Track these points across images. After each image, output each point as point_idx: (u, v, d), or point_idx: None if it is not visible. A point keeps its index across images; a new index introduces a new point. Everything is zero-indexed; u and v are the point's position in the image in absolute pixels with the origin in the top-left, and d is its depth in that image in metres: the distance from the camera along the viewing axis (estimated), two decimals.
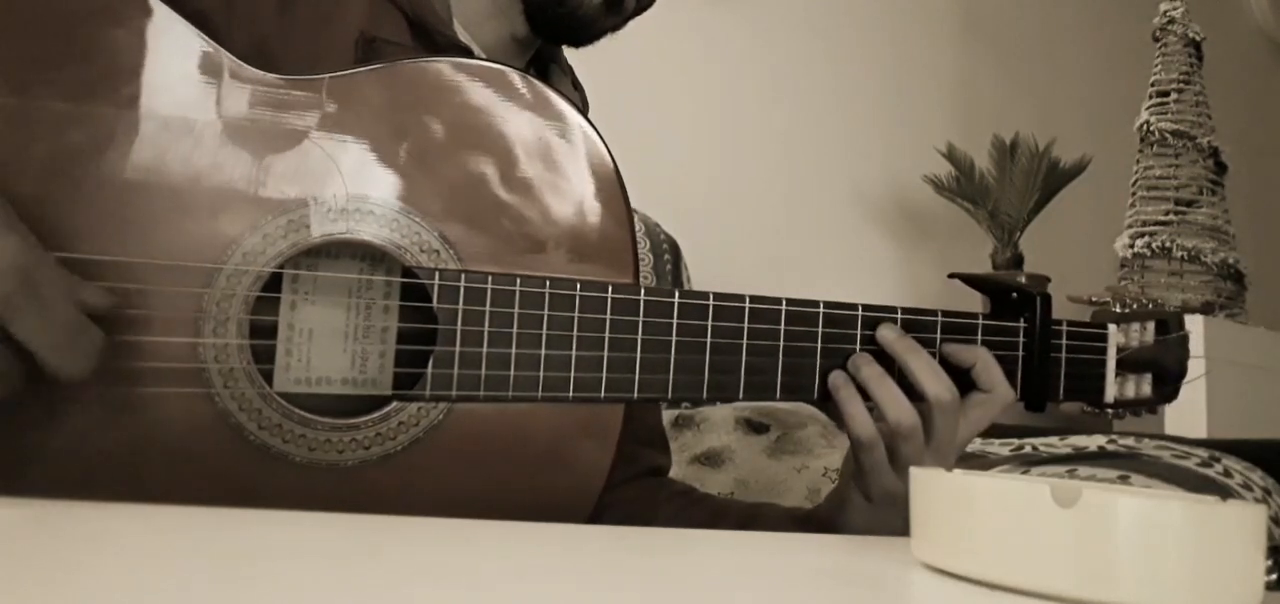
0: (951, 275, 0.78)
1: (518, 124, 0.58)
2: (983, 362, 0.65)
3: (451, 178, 0.57)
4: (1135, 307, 0.74)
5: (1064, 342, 0.71)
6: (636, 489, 0.78)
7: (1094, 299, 0.76)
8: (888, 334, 0.64)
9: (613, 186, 0.60)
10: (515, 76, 0.59)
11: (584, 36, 0.76)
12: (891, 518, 0.64)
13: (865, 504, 0.66)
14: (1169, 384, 0.74)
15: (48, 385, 0.47)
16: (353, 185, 0.55)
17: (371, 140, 0.56)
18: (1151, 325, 0.73)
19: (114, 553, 0.34)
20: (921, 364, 0.63)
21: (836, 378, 0.64)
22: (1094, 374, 0.72)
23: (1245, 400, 1.82)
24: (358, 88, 0.56)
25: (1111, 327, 0.73)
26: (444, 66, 0.58)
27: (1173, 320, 0.74)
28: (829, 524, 0.69)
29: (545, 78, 0.61)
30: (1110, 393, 0.73)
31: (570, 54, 0.82)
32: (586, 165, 0.59)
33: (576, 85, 0.82)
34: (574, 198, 0.59)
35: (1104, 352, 0.73)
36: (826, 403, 0.64)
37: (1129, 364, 0.73)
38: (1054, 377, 0.70)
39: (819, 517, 0.71)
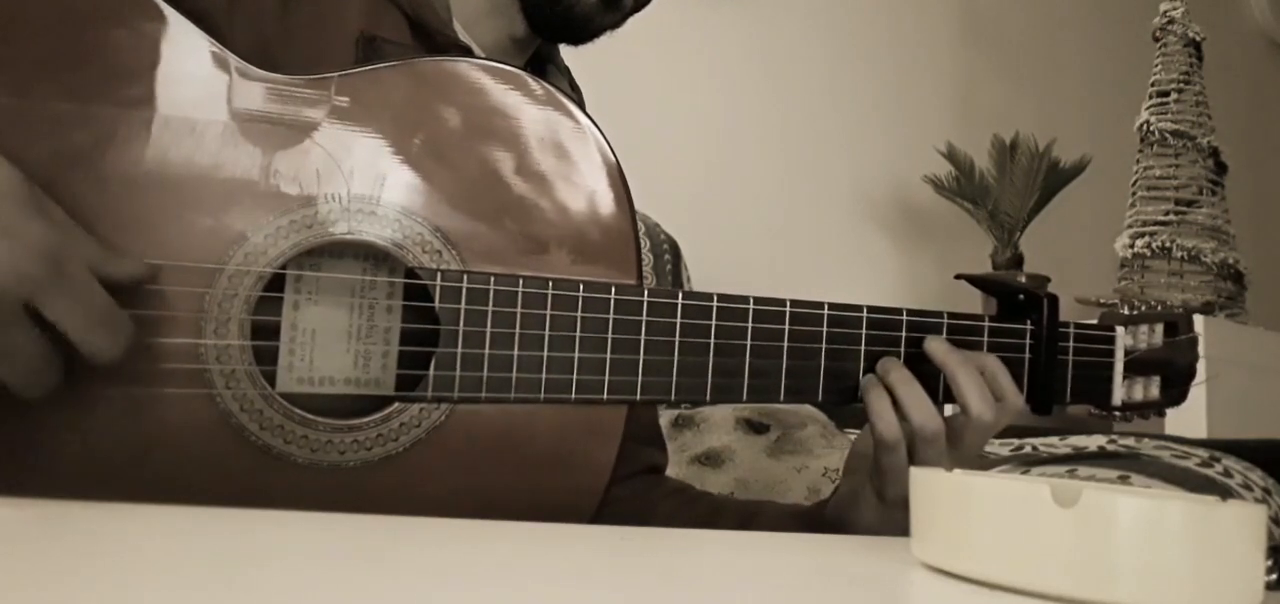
0: (958, 276, 0.77)
1: (521, 125, 0.58)
2: (990, 370, 0.65)
3: (455, 178, 0.57)
4: (1144, 308, 0.73)
5: (1071, 344, 0.70)
6: (633, 487, 0.78)
7: (1102, 301, 0.76)
8: (938, 348, 0.65)
9: (616, 187, 0.60)
10: (517, 76, 0.59)
11: (583, 34, 0.76)
12: (902, 519, 0.64)
13: (878, 504, 0.66)
14: (1177, 386, 0.73)
15: (67, 381, 0.47)
16: (356, 185, 0.55)
17: (375, 140, 0.56)
18: (1160, 327, 0.73)
19: (114, 553, 0.34)
20: (971, 381, 0.63)
21: (867, 380, 0.64)
22: (1101, 377, 0.72)
23: (1245, 400, 1.82)
24: (361, 88, 0.56)
25: (1119, 329, 0.73)
26: (448, 67, 0.58)
27: (1182, 322, 0.73)
28: (837, 522, 0.69)
29: (542, 78, 0.61)
30: (1118, 396, 0.72)
31: (569, 53, 0.82)
32: (589, 166, 0.59)
33: (573, 86, 0.82)
34: (577, 198, 0.59)
35: (1112, 354, 0.72)
36: (830, 405, 0.64)
37: (1137, 366, 0.72)
38: (1061, 379, 0.70)
39: (825, 514, 0.71)
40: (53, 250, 0.45)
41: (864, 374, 0.65)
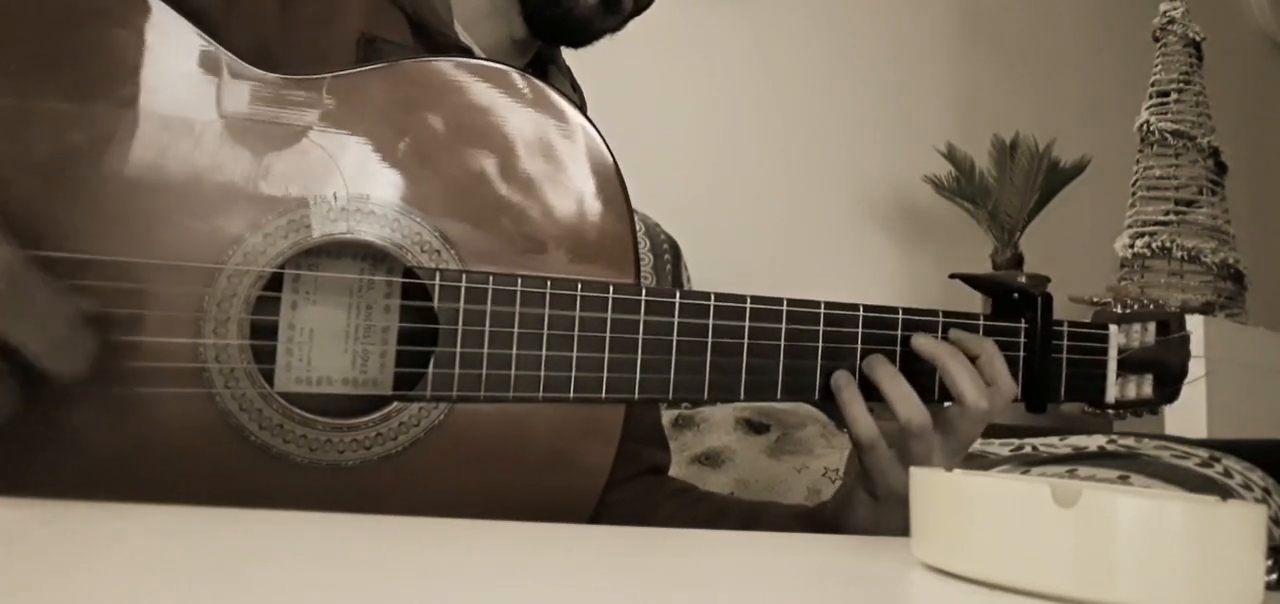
0: (953, 276, 0.78)
1: (519, 123, 0.58)
2: (987, 354, 0.65)
3: (452, 177, 0.57)
4: (1136, 307, 0.74)
5: (1065, 342, 0.71)
6: (636, 488, 0.78)
7: (1095, 300, 0.76)
8: (926, 343, 0.65)
9: (614, 186, 0.60)
10: (516, 76, 0.59)
11: (582, 37, 0.76)
12: (897, 515, 0.65)
13: (871, 502, 0.66)
14: (1170, 385, 0.74)
15: (47, 392, 0.47)
16: (354, 185, 0.55)
17: (372, 140, 0.56)
18: (1152, 326, 0.73)
19: (114, 553, 0.34)
20: (962, 370, 0.63)
21: (839, 378, 0.64)
22: (1095, 375, 0.72)
23: (1245, 400, 1.82)
24: (358, 87, 0.56)
25: (1112, 327, 0.73)
26: (444, 66, 0.58)
27: (1174, 321, 0.74)
28: (834, 522, 0.69)
29: (544, 78, 0.61)
30: (1111, 394, 0.73)
31: (570, 53, 0.82)
32: (587, 165, 0.59)
33: (575, 86, 0.82)
34: (575, 197, 0.59)
35: (1105, 352, 0.73)
36: (828, 403, 0.64)
37: (1130, 365, 0.73)
38: (1055, 377, 0.70)
39: (824, 514, 0.71)
40: (10, 270, 0.44)
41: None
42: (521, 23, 0.75)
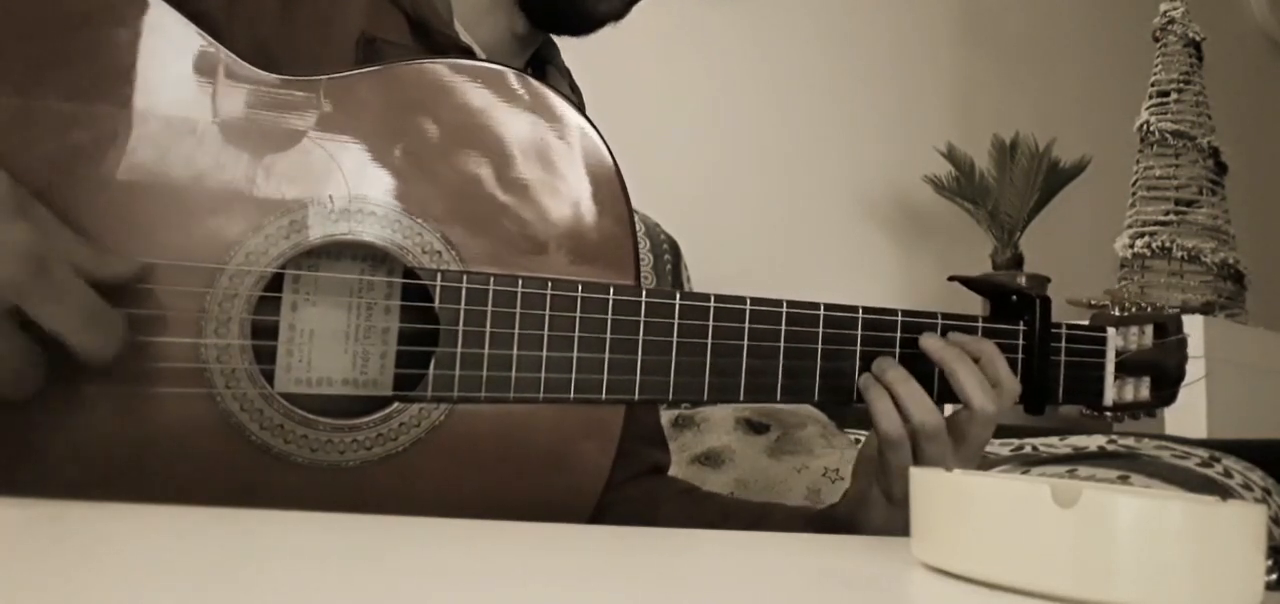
0: (951, 278, 0.78)
1: (518, 125, 0.58)
2: (988, 355, 0.65)
3: (453, 179, 0.57)
4: (1134, 310, 0.74)
5: (1063, 345, 0.71)
6: (638, 488, 0.78)
7: (1093, 302, 0.76)
8: (934, 344, 0.65)
9: (614, 187, 0.60)
10: (513, 77, 0.59)
11: (584, 25, 0.75)
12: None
13: (886, 503, 0.66)
14: (1167, 387, 0.74)
15: (66, 380, 0.47)
16: (354, 186, 0.55)
17: (373, 141, 0.56)
18: (1150, 328, 0.73)
19: (114, 553, 0.34)
20: (969, 374, 0.63)
21: (866, 379, 0.64)
22: (1093, 377, 0.73)
23: (1245, 400, 1.82)
24: (358, 88, 0.56)
25: (1110, 330, 0.73)
26: (443, 67, 0.58)
27: (1171, 323, 0.74)
28: (848, 522, 0.69)
29: (542, 79, 0.61)
30: (1109, 396, 0.73)
31: (570, 53, 0.82)
32: (587, 165, 0.60)
33: (574, 87, 0.82)
34: (575, 198, 0.59)
35: (1103, 355, 0.73)
36: (828, 404, 0.64)
37: (1128, 367, 0.73)
38: (1053, 380, 0.70)
39: (837, 515, 0.71)
40: (36, 252, 0.44)
41: (860, 374, 0.65)
42: (521, 17, 0.75)
